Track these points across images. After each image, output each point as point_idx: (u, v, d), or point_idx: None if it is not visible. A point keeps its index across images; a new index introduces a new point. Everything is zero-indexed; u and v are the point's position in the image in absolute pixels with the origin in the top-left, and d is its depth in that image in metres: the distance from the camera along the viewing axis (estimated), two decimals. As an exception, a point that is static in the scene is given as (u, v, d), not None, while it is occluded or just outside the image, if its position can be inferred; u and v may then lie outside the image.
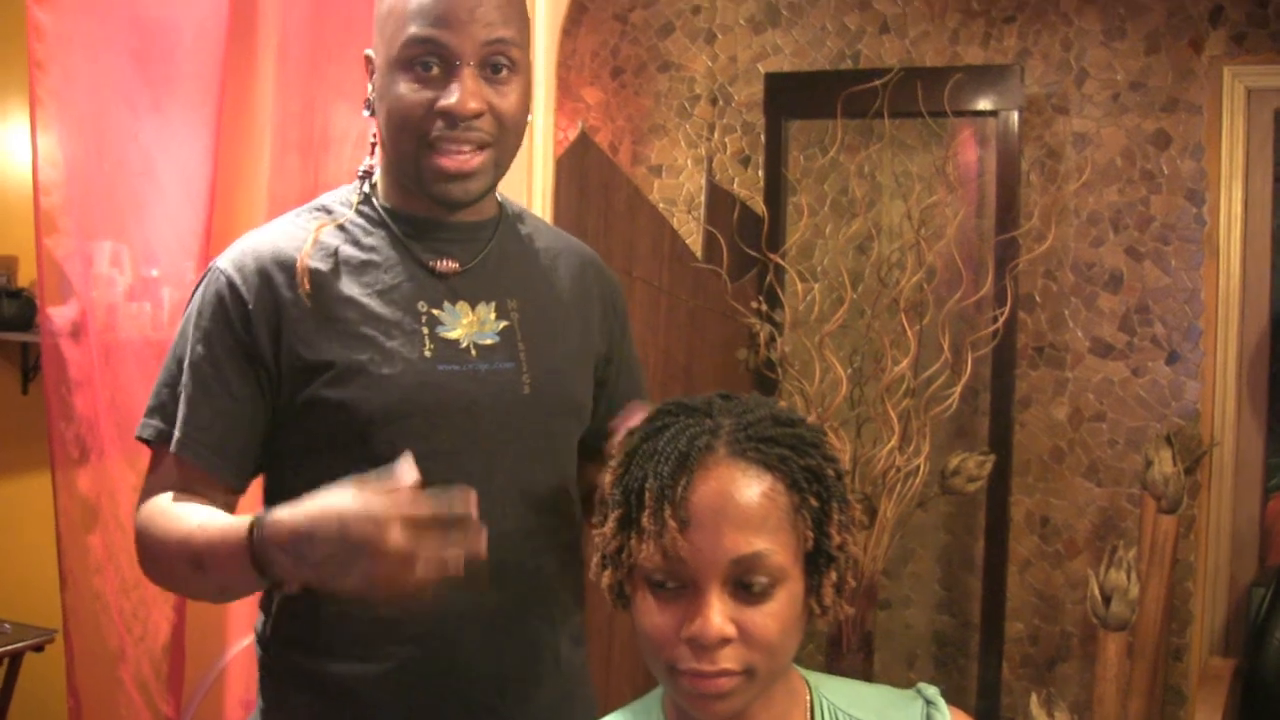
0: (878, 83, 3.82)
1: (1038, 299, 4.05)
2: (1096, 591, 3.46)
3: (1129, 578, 3.42)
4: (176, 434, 1.56)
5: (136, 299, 2.66)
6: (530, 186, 2.74)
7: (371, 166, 1.71)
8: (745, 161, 4.41)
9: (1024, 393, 4.06)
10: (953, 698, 1.39)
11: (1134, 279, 3.96)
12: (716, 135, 4.42)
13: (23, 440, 3.54)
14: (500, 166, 1.63)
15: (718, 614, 1.16)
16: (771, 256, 3.77)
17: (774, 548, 1.18)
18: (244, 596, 1.52)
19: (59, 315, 2.06)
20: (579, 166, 3.60)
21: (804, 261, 4.21)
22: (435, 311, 1.62)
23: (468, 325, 1.63)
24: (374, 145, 1.70)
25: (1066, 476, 4.05)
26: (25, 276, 3.52)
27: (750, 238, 3.85)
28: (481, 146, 1.58)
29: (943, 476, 3.74)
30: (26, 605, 3.36)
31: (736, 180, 4.39)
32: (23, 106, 3.04)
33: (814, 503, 1.21)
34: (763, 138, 4.25)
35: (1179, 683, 3.93)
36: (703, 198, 4.28)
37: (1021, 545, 4.09)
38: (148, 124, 2.22)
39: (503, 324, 1.66)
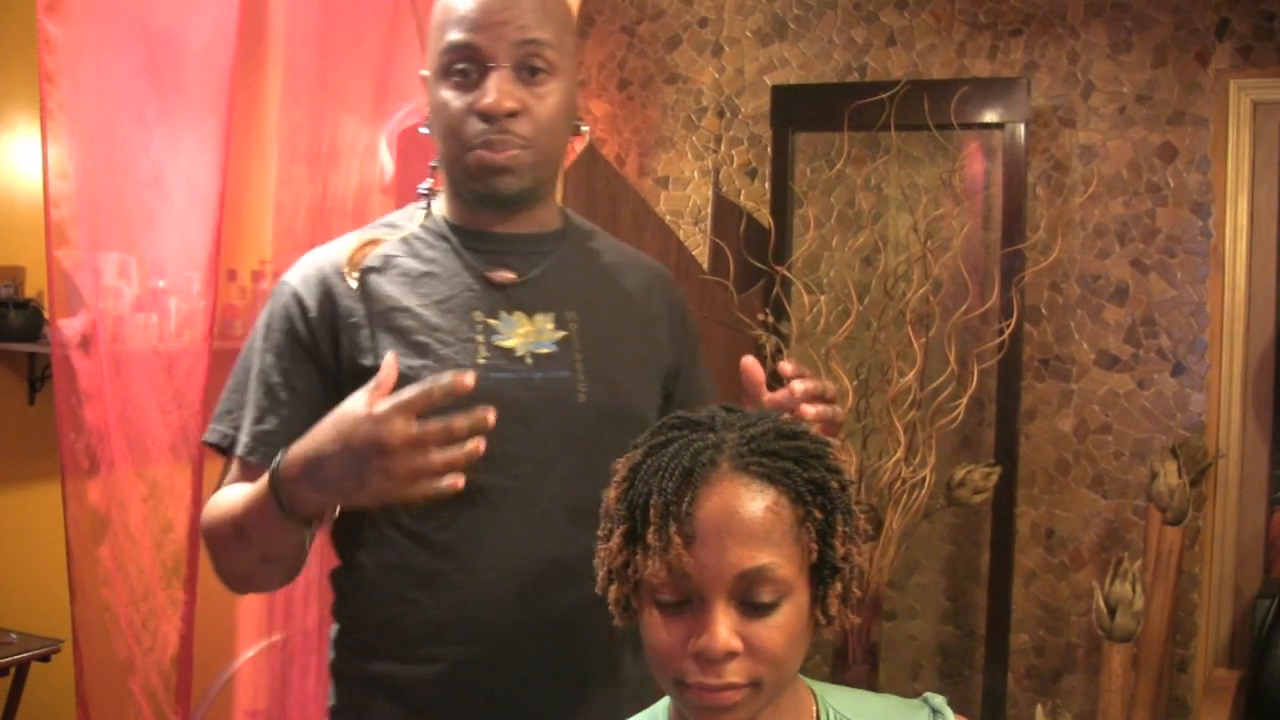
0: (884, 95, 3.83)
1: (1044, 311, 4.05)
2: (1101, 603, 3.46)
3: (1134, 589, 3.42)
4: (244, 439, 1.63)
5: (144, 310, 2.66)
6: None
7: (432, 186, 1.77)
8: (752, 174, 4.41)
9: (1030, 404, 4.06)
10: (958, 709, 1.39)
11: (1140, 291, 3.97)
12: (723, 147, 4.43)
13: (29, 451, 3.54)
14: (539, 168, 1.67)
15: (724, 628, 1.17)
16: (778, 268, 3.78)
17: (779, 561, 1.18)
18: (288, 559, 1.55)
19: (69, 327, 2.07)
20: (586, 178, 3.62)
21: (810, 273, 4.22)
22: (491, 321, 1.66)
23: (524, 335, 1.66)
24: (434, 166, 1.75)
25: (1072, 488, 4.05)
26: (32, 287, 3.52)
27: (757, 250, 3.86)
28: (519, 147, 1.62)
29: (948, 488, 3.74)
30: (33, 615, 3.36)
31: (743, 192, 4.40)
32: (32, 118, 3.06)
33: (818, 515, 1.21)
34: (769, 150, 4.25)
35: (1184, 694, 3.92)
36: (709, 210, 4.29)
37: (1027, 557, 4.08)
38: (157, 136, 2.23)
39: (560, 334, 1.68)
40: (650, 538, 1.18)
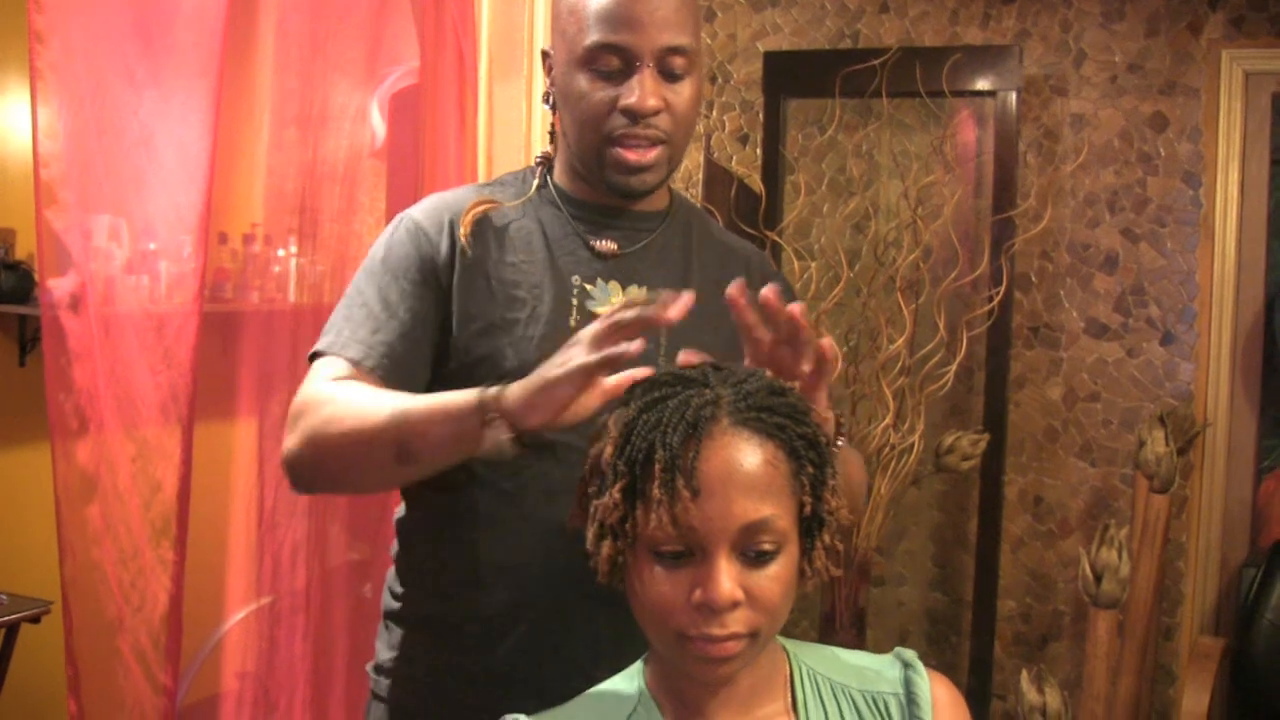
0: (876, 62, 3.82)
1: (1033, 279, 4.06)
2: (1088, 570, 3.48)
3: (1120, 557, 3.44)
4: (360, 345, 1.64)
5: (135, 272, 2.66)
6: (528, 163, 2.75)
7: (548, 153, 1.84)
8: (743, 139, 4.41)
9: (1019, 372, 4.07)
10: (942, 672, 1.41)
11: (1130, 260, 3.97)
12: (715, 113, 4.42)
13: (20, 412, 3.55)
14: (673, 161, 1.73)
15: (728, 578, 1.20)
16: (769, 234, 3.78)
17: (778, 513, 1.22)
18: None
19: (58, 287, 2.07)
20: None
21: (801, 240, 4.22)
22: (588, 286, 1.73)
23: (616, 304, 1.70)
24: (551, 134, 1.83)
25: (1060, 456, 4.07)
26: (23, 249, 3.52)
27: (748, 215, 3.86)
28: (658, 142, 1.68)
29: (937, 455, 3.75)
30: (23, 577, 3.37)
31: (735, 158, 4.40)
32: (22, 79, 3.04)
33: (810, 469, 1.25)
34: (761, 116, 4.25)
35: (1169, 661, 3.95)
36: (700, 175, 4.29)
37: (1014, 524, 4.10)
38: (147, 97, 2.22)
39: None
40: (655, 491, 1.21)
